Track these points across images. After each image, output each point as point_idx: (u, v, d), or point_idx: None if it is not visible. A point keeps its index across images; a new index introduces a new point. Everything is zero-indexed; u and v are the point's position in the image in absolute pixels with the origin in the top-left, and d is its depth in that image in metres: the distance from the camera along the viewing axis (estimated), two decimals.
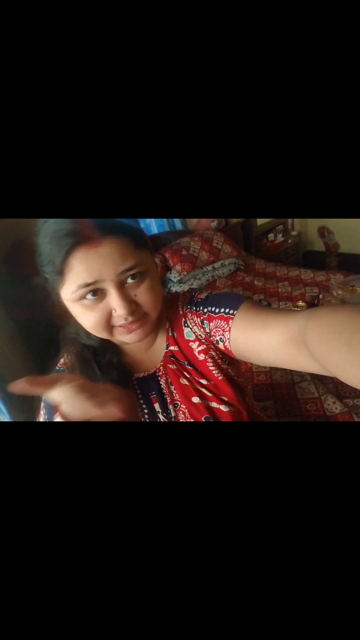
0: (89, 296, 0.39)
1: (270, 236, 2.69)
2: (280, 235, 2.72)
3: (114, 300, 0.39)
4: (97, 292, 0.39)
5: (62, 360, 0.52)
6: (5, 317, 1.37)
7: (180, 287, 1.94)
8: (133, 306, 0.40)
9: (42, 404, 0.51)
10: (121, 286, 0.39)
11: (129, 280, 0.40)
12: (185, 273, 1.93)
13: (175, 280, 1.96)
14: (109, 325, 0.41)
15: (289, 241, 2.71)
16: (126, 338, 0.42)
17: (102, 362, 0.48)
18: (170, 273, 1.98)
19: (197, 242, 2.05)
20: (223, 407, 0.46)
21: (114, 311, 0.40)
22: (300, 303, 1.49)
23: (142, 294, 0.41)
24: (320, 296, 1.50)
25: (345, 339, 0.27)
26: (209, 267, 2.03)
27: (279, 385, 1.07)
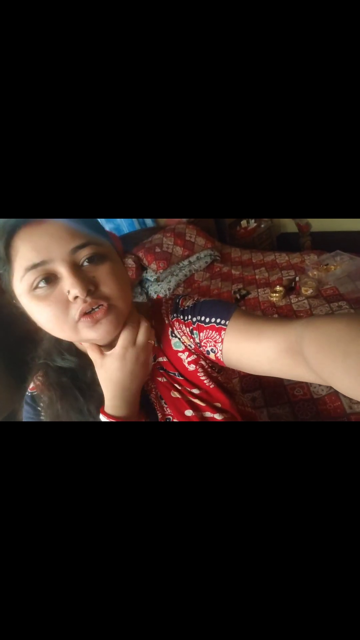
0: (41, 284, 0.34)
1: (243, 223, 2.69)
2: (253, 221, 2.72)
3: (66, 280, 0.34)
4: (50, 279, 0.34)
5: (32, 385, 0.48)
6: None
7: (159, 285, 1.91)
8: (90, 286, 0.35)
9: (25, 405, 0.48)
10: (75, 266, 0.35)
11: (85, 263, 0.36)
12: (161, 271, 1.90)
13: (152, 279, 1.92)
14: (70, 319, 0.35)
15: (262, 226, 2.71)
16: (93, 332, 0.36)
17: (83, 384, 0.44)
18: (147, 272, 1.95)
19: (169, 238, 2.02)
20: (217, 416, 0.44)
21: (67, 293, 0.34)
22: (278, 288, 1.49)
23: (102, 275, 0.36)
24: (297, 278, 1.51)
25: (342, 350, 0.27)
26: (185, 262, 2.00)
27: None
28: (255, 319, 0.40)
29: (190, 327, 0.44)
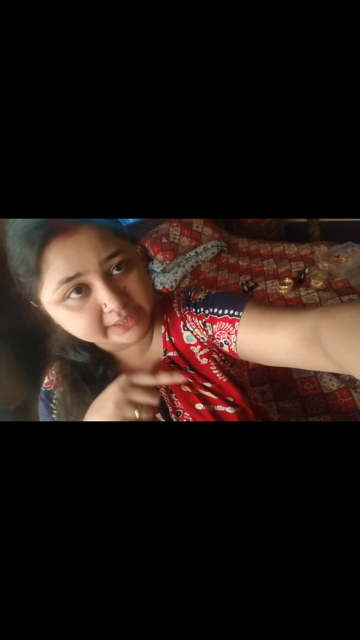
0: (73, 295, 0.34)
1: None
2: None
3: (101, 294, 0.34)
4: (82, 289, 0.34)
5: (46, 380, 0.48)
6: None
7: (165, 276, 1.89)
8: (125, 299, 0.36)
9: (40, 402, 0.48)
10: (107, 277, 0.35)
11: (115, 272, 0.36)
12: (167, 262, 1.88)
13: (158, 270, 1.90)
14: (102, 326, 0.36)
15: None
16: (124, 338, 0.38)
17: (94, 378, 0.44)
18: (153, 263, 1.93)
19: (176, 228, 1.99)
20: (229, 409, 0.44)
21: (104, 306, 0.35)
22: (287, 280, 1.46)
23: (132, 284, 0.37)
24: (307, 270, 1.48)
25: (359, 337, 0.26)
26: (192, 253, 1.98)
27: (275, 367, 1.06)
28: (269, 309, 0.39)
29: (203, 320, 0.43)
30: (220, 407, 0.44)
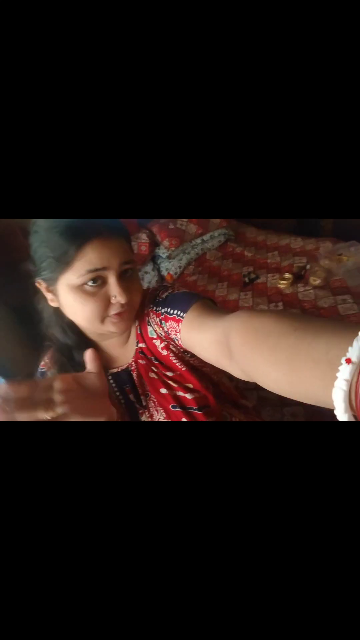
0: (91, 283, 0.43)
1: None
2: None
3: (114, 287, 0.44)
4: (98, 280, 0.43)
5: (43, 362, 0.56)
6: None
7: (170, 262, 1.93)
8: (129, 296, 0.45)
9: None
10: (120, 277, 0.45)
11: (124, 274, 0.46)
12: (173, 248, 1.91)
13: (164, 256, 1.94)
14: (104, 314, 0.45)
15: None
16: (115, 327, 0.46)
17: (80, 363, 0.50)
18: (159, 249, 1.96)
19: None
20: (188, 395, 0.51)
21: (113, 298, 0.44)
22: (287, 275, 1.49)
23: (132, 288, 0.47)
24: (308, 267, 1.49)
25: (270, 344, 0.27)
26: (198, 240, 1.99)
27: None
28: (208, 311, 0.44)
29: (160, 318, 0.50)
30: (180, 393, 0.51)
